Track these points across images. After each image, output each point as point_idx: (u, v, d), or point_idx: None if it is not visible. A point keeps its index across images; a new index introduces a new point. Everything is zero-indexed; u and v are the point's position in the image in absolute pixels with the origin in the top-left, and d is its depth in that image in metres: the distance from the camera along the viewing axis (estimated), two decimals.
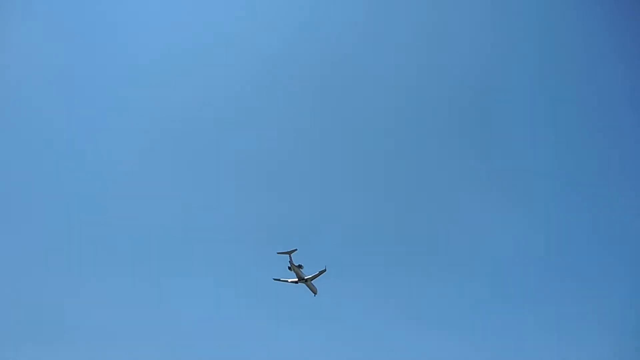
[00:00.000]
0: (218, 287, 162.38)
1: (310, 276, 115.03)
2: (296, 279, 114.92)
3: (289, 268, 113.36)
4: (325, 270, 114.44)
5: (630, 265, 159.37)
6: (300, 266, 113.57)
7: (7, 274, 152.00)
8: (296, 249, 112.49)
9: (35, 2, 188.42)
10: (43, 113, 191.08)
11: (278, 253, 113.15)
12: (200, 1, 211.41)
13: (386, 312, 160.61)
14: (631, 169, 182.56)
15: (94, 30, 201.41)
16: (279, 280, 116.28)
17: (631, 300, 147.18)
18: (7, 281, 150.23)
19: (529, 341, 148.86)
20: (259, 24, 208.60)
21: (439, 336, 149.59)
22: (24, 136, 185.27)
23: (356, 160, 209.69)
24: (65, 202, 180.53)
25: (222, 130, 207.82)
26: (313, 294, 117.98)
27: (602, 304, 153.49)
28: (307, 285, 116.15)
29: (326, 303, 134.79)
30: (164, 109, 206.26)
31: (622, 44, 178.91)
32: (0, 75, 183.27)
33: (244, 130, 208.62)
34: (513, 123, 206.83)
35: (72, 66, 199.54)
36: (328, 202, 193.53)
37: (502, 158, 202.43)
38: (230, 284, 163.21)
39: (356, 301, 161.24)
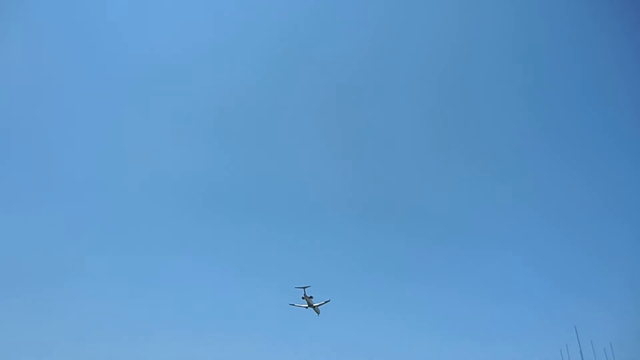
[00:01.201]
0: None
1: (317, 304, 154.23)
2: (307, 305, 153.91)
3: (303, 298, 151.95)
4: (329, 300, 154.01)
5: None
6: (311, 297, 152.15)
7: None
8: (309, 285, 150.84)
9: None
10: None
11: (296, 287, 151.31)
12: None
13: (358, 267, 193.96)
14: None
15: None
16: (294, 305, 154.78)
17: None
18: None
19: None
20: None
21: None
22: None
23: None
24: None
25: None
26: (317, 314, 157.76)
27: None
28: (314, 309, 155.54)
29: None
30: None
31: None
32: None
33: None
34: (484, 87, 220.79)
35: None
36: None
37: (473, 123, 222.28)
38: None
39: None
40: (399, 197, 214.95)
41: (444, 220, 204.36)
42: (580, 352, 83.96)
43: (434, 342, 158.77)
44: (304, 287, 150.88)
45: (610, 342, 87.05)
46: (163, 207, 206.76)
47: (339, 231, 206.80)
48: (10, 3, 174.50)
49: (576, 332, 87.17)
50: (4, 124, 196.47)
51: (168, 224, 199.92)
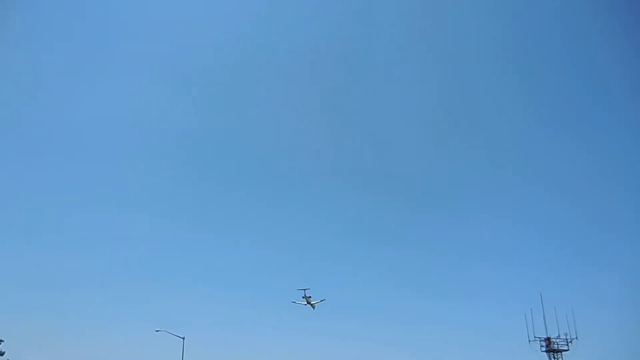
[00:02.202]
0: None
1: (314, 302, 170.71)
2: (305, 303, 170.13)
3: (303, 297, 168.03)
4: (324, 299, 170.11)
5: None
6: (310, 297, 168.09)
7: None
8: (309, 288, 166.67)
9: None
10: None
11: (298, 289, 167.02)
12: None
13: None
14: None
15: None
16: (295, 302, 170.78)
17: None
18: None
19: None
20: None
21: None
22: None
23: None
24: None
25: None
26: (312, 309, 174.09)
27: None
28: (311, 306, 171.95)
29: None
30: None
31: None
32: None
33: None
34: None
35: None
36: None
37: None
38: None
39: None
40: (379, 162, 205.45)
41: (426, 187, 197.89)
42: (544, 317, 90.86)
43: (413, 300, 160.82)
44: (305, 289, 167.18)
45: (572, 308, 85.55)
46: (137, 165, 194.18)
47: (322, 197, 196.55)
48: None
49: (541, 298, 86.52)
50: None
51: (144, 183, 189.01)
